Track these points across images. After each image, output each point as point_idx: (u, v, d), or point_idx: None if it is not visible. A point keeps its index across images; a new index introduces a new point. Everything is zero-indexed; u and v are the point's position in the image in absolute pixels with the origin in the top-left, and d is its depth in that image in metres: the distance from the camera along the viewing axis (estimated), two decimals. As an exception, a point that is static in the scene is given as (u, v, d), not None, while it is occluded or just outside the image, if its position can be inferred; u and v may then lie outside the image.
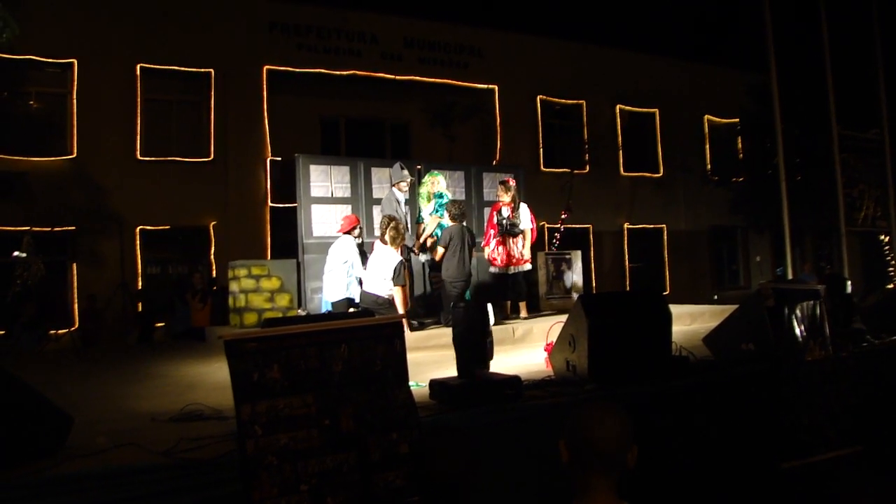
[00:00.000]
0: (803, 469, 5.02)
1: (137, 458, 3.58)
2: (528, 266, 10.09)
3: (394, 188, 9.88)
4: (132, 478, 3.37)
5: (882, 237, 16.51)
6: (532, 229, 10.03)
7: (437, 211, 9.91)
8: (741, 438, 5.10)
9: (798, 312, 6.03)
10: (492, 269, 9.98)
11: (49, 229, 13.16)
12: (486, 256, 10.04)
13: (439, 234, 9.67)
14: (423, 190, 10.16)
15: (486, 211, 10.79)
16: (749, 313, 6.17)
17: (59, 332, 11.73)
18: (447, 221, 9.52)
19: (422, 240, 9.99)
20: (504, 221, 9.90)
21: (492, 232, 10.03)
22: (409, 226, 10.13)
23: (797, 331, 5.98)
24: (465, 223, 9.55)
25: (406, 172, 9.93)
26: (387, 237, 8.63)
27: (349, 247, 9.03)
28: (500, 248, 9.90)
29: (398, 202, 9.74)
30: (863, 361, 6.21)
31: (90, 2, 14.46)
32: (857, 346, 6.67)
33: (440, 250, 9.31)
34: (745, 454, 5.06)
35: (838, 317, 6.98)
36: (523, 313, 10.12)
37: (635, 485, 2.32)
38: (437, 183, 10.06)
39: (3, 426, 3.43)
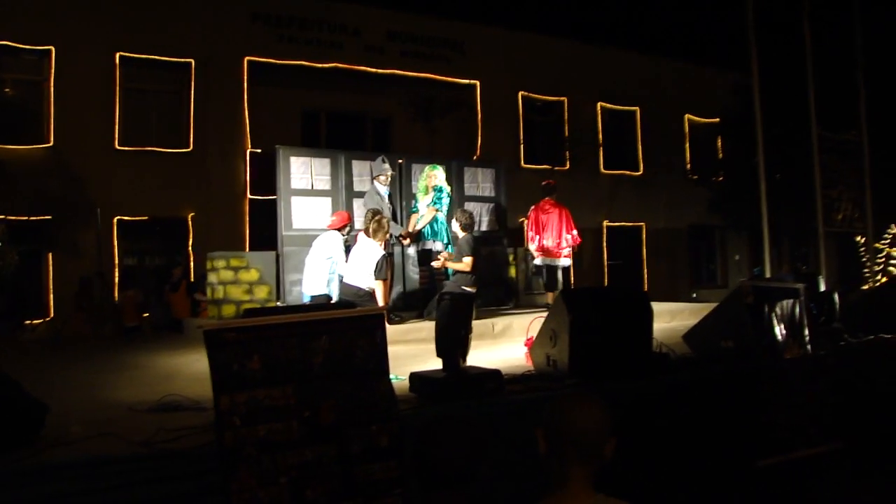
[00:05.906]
0: (782, 466, 5.05)
1: (116, 448, 3.55)
2: (565, 261, 11.06)
3: (375, 182, 9.82)
4: (110, 467, 3.36)
5: (858, 238, 16.66)
6: (573, 236, 10.97)
7: (435, 203, 9.83)
8: (719, 435, 5.12)
9: (777, 311, 6.07)
10: (535, 262, 11.04)
11: (25, 218, 13.00)
12: (532, 250, 11.04)
13: (445, 230, 9.84)
14: (422, 183, 10.08)
15: (467, 205, 10.79)
16: (729, 311, 6.19)
17: (35, 321, 11.61)
18: (458, 231, 9.42)
19: (415, 230, 9.89)
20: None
21: (532, 233, 10.97)
22: (400, 218, 10.14)
23: (777, 329, 6.01)
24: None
25: (387, 166, 9.85)
26: (370, 230, 8.63)
27: (335, 243, 8.96)
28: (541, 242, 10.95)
29: (380, 196, 9.68)
30: (841, 360, 6.25)
31: (69, -12, 14.26)
32: (835, 344, 6.73)
33: (467, 260, 9.12)
34: (723, 451, 5.08)
35: (820, 315, 7.06)
36: (550, 300, 10.57)
37: (611, 479, 2.30)
38: (436, 177, 9.96)
39: (-22, 415, 3.38)
